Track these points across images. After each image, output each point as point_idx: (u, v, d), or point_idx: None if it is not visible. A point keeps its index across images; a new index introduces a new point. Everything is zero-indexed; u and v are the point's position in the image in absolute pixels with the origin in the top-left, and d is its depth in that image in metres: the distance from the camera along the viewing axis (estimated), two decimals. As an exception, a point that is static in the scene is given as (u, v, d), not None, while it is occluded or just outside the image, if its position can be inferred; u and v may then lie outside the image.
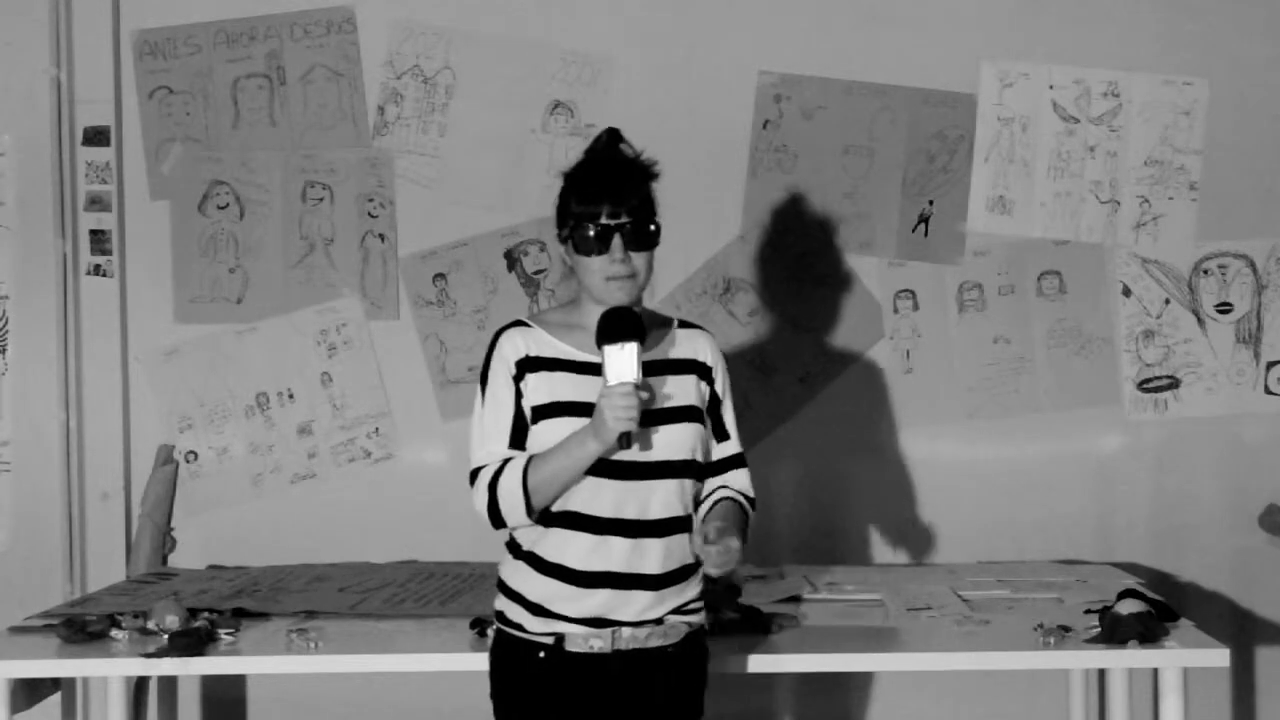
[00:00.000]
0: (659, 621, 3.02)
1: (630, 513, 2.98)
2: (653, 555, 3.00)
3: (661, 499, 3.00)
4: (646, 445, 2.96)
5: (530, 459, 2.97)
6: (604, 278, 2.99)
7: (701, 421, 3.06)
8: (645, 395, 2.91)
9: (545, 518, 3.00)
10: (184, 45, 4.76)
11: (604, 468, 2.95)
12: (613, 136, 3.08)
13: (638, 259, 3.00)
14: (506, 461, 2.98)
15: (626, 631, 3.00)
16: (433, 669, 3.52)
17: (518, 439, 3.01)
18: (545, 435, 2.98)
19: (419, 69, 4.75)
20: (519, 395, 3.01)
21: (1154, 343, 4.73)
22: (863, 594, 4.01)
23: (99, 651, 3.49)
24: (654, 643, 3.02)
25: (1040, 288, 4.74)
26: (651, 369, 3.00)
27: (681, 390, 3.05)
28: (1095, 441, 4.73)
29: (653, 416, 2.97)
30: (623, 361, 2.89)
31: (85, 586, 4.68)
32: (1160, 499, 4.73)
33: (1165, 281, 4.72)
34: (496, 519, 3.00)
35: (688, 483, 3.05)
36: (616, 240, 2.98)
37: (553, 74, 4.74)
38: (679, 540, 3.03)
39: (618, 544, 2.98)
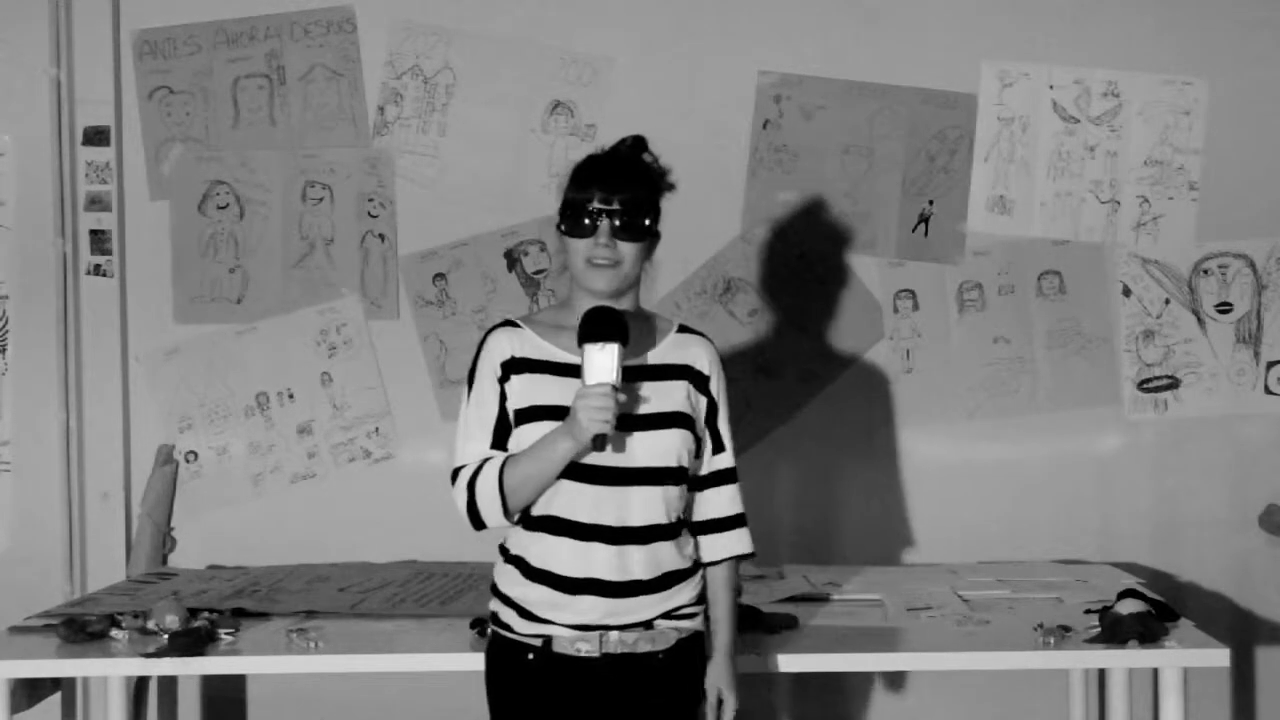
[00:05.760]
0: (648, 626, 3.01)
1: (608, 519, 2.96)
2: (637, 561, 2.98)
3: (643, 505, 2.98)
4: (620, 448, 2.93)
5: (507, 459, 2.96)
6: (586, 259, 2.98)
7: (689, 428, 3.03)
8: (623, 398, 2.88)
9: (528, 522, 3.00)
10: (184, 45, 4.76)
11: (583, 472, 2.94)
12: (637, 142, 3.08)
13: (625, 248, 2.99)
14: (485, 461, 2.97)
15: (614, 636, 2.99)
16: (433, 669, 3.52)
17: (500, 439, 3.00)
18: (527, 438, 2.97)
19: (419, 69, 4.75)
20: (503, 396, 3.01)
21: (1154, 343, 4.73)
22: (863, 594, 4.01)
23: (99, 651, 3.48)
24: (643, 648, 3.00)
25: (1040, 288, 4.74)
26: (642, 373, 2.99)
27: (669, 396, 3.02)
28: (1095, 441, 4.73)
29: (636, 421, 2.95)
30: (602, 362, 2.86)
31: (85, 586, 4.68)
32: (1160, 499, 4.73)
33: (1165, 281, 4.72)
34: (476, 519, 2.99)
35: (673, 489, 3.02)
36: (604, 224, 2.97)
37: (553, 74, 4.74)
38: (664, 547, 3.01)
39: (600, 550, 2.96)
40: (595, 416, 2.83)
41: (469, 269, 4.75)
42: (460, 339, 4.73)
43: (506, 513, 2.96)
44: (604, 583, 2.96)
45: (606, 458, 2.91)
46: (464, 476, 2.99)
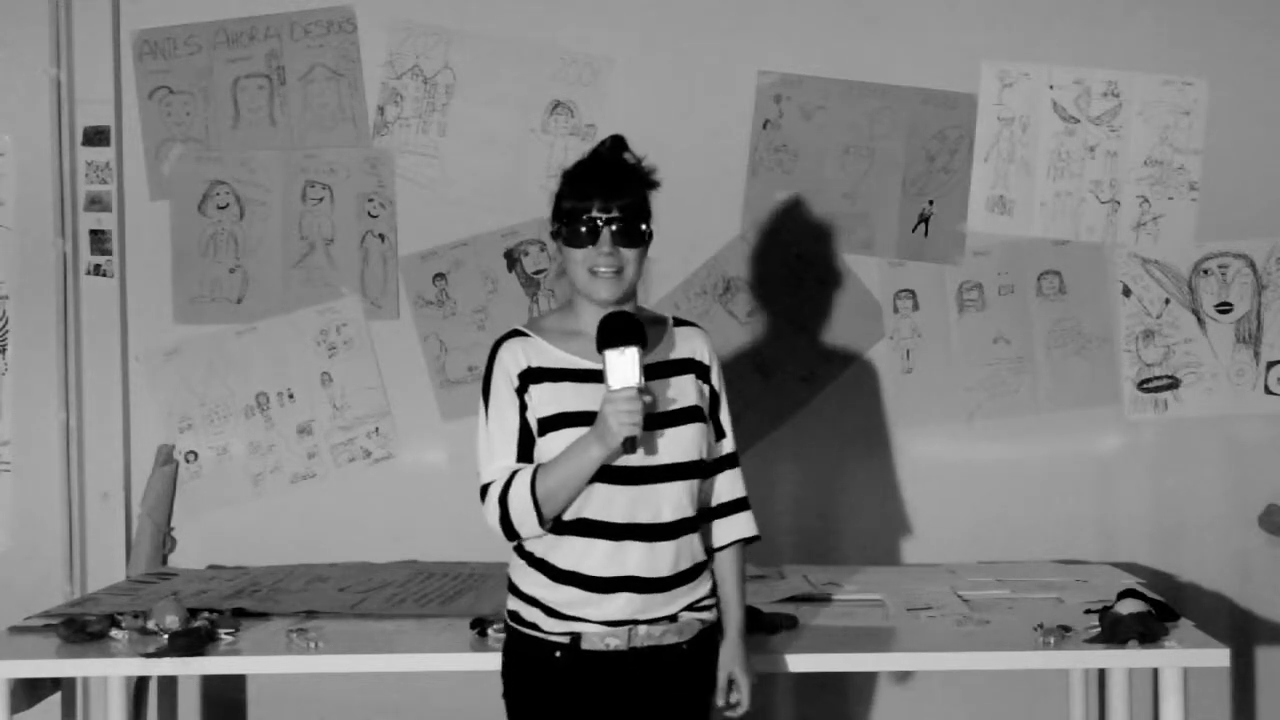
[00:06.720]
0: (673, 619, 3.04)
1: (644, 517, 2.99)
2: (666, 557, 3.01)
3: (672, 501, 3.01)
4: (651, 450, 2.97)
5: (537, 469, 2.97)
6: (589, 269, 3.00)
7: (704, 420, 3.07)
8: (648, 399, 2.91)
9: (558, 526, 3.00)
10: (184, 45, 4.76)
11: (615, 474, 2.96)
12: (616, 143, 3.09)
13: (626, 254, 3.00)
14: (514, 474, 2.98)
15: (643, 629, 3.02)
16: (433, 669, 3.53)
17: (524, 452, 3.01)
18: (552, 447, 2.98)
19: (419, 69, 4.75)
20: (523, 408, 3.02)
21: (1154, 343, 4.73)
22: (863, 594, 4.01)
23: (99, 651, 3.49)
24: (669, 640, 3.04)
25: (1040, 288, 4.74)
26: (652, 371, 3.01)
27: (683, 391, 3.06)
28: (1095, 441, 4.73)
29: (658, 419, 2.98)
30: (624, 366, 2.89)
31: (85, 586, 4.68)
32: (1160, 499, 4.73)
33: (1165, 281, 4.72)
34: (510, 532, 3.00)
35: (695, 483, 3.06)
36: (605, 233, 2.99)
37: (553, 74, 4.74)
38: (690, 540, 3.05)
39: (634, 549, 2.99)
40: (625, 420, 2.87)
41: (469, 269, 4.75)
42: (460, 339, 4.73)
43: (541, 521, 2.97)
44: (638, 580, 2.99)
45: (635, 458, 2.94)
46: (494, 491, 3.00)
